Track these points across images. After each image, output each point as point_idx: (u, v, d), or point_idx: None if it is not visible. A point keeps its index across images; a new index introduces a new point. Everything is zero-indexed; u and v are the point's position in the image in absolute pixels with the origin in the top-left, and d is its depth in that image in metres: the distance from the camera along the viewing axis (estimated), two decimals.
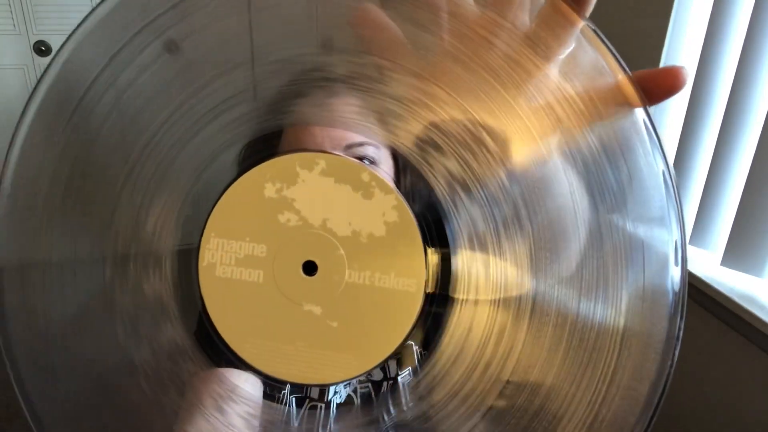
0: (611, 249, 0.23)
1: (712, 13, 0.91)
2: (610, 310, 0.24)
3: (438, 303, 0.25)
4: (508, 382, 0.25)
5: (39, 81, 0.24)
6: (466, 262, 0.25)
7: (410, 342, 0.57)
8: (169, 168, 0.25)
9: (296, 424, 0.61)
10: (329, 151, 0.24)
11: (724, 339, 0.91)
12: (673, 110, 1.03)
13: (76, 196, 0.25)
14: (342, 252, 0.24)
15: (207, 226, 0.24)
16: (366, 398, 0.67)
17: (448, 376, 0.27)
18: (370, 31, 0.23)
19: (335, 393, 0.68)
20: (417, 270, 0.24)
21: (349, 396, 0.67)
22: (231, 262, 0.24)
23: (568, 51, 0.24)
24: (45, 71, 0.24)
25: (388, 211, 0.24)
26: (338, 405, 0.67)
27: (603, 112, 0.23)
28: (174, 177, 0.25)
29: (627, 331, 0.24)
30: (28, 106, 0.24)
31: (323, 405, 0.67)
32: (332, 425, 0.60)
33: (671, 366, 0.25)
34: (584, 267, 0.23)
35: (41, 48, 2.09)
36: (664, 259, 0.23)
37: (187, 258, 0.25)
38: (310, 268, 0.24)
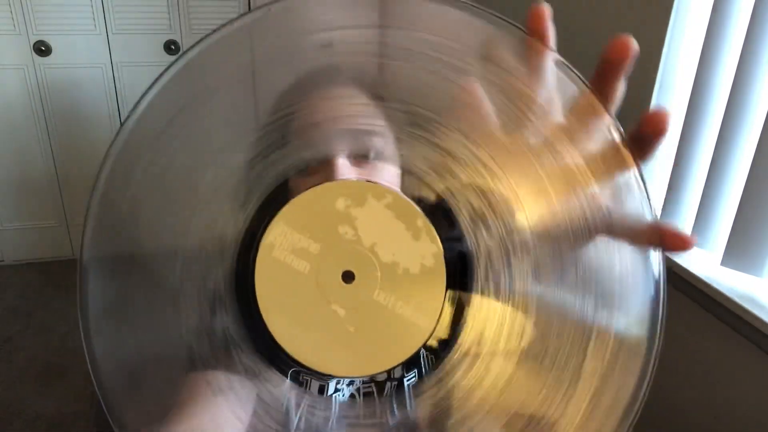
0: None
1: (712, 13, 0.91)
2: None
3: (441, 345, 0.29)
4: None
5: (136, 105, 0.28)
6: (478, 309, 0.29)
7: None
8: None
9: (295, 421, 0.61)
10: (400, 193, 0.29)
11: (724, 339, 0.91)
12: (673, 110, 1.03)
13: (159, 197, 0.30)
14: (378, 274, 0.29)
15: (279, 214, 0.29)
16: (369, 398, 0.68)
17: (453, 382, 0.31)
18: (470, 111, 0.28)
19: (336, 390, 0.68)
20: (433, 311, 0.28)
21: (352, 395, 0.67)
22: (287, 248, 0.29)
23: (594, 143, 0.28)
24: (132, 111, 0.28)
25: (428, 256, 0.28)
26: (341, 403, 0.67)
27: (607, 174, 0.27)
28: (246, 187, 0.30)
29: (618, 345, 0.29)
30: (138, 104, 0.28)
31: (322, 401, 0.67)
32: (334, 424, 0.60)
33: (654, 365, 0.28)
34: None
35: (41, 48, 2.10)
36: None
37: (251, 239, 0.29)
38: (348, 276, 0.29)
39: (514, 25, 0.31)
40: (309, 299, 0.29)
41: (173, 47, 2.25)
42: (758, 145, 0.83)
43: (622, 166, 0.27)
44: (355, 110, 0.33)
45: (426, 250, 0.28)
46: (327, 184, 0.29)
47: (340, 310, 0.29)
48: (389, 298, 0.29)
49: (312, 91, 0.34)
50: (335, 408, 0.65)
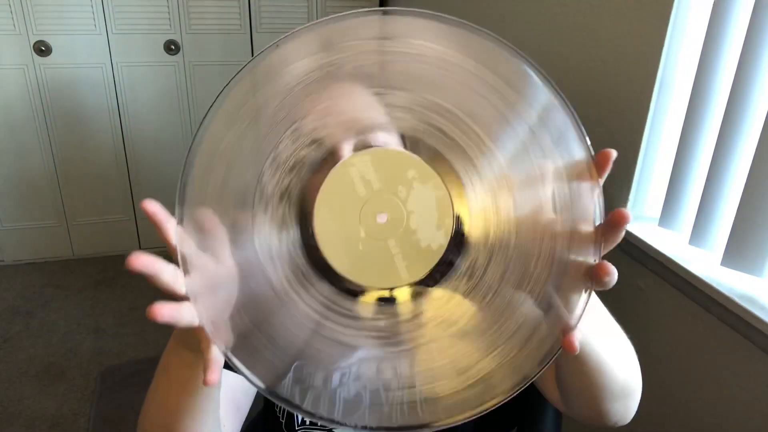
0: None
1: (712, 13, 0.91)
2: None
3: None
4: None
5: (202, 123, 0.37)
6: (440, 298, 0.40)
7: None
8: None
9: (300, 417, 0.61)
10: (449, 194, 0.38)
11: (724, 339, 0.91)
12: (673, 110, 1.03)
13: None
14: (401, 231, 0.38)
15: (370, 150, 0.37)
16: (375, 396, 0.67)
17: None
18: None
19: (340, 384, 0.67)
20: (415, 275, 0.39)
21: (357, 392, 0.67)
22: (360, 173, 0.38)
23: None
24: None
25: (436, 242, 0.38)
26: (346, 400, 0.67)
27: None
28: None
29: None
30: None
31: (327, 394, 0.67)
32: (340, 417, 0.59)
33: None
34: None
35: (41, 48, 2.10)
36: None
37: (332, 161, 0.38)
38: (382, 217, 0.38)
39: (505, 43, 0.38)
40: (350, 212, 0.38)
41: (173, 47, 2.25)
42: (758, 145, 0.83)
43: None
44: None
45: (438, 239, 0.38)
46: (411, 156, 0.37)
47: (362, 233, 0.38)
48: (396, 248, 0.38)
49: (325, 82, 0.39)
50: (339, 404, 0.63)
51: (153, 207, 0.36)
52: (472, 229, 0.38)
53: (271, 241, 0.38)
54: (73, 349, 1.89)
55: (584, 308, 0.37)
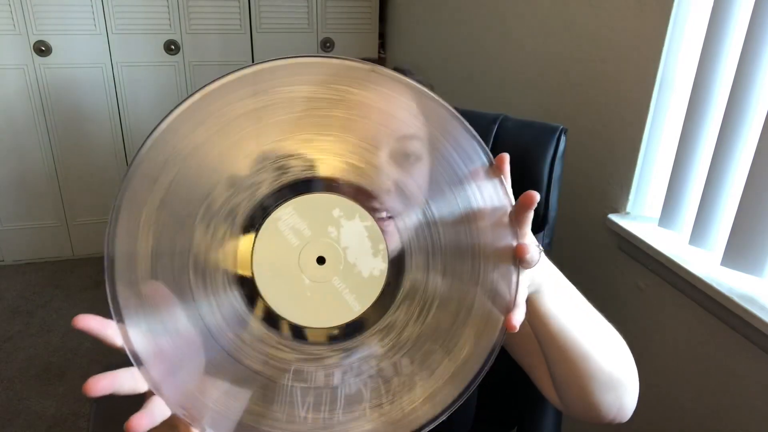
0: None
1: (712, 13, 0.91)
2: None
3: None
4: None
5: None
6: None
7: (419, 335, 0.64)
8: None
9: (303, 414, 0.63)
10: (375, 223, 0.41)
11: (723, 339, 0.91)
12: (673, 110, 1.03)
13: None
14: (341, 267, 0.40)
15: (292, 200, 0.39)
16: (376, 392, 0.67)
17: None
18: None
19: (342, 381, 0.67)
20: (365, 303, 0.41)
21: (359, 389, 0.67)
22: (289, 225, 0.39)
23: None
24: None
25: (377, 270, 0.41)
26: (347, 395, 0.67)
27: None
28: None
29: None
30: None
31: (328, 391, 0.67)
32: (340, 415, 0.61)
33: None
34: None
35: (41, 48, 2.10)
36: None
37: (263, 212, 0.39)
38: (321, 260, 0.40)
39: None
40: (289, 264, 0.40)
41: (173, 47, 2.25)
42: (758, 145, 0.83)
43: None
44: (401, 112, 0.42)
45: (378, 265, 0.41)
46: (331, 195, 0.40)
47: (306, 280, 0.40)
48: (341, 284, 0.40)
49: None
50: (341, 401, 0.65)
51: (84, 322, 0.36)
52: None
53: (213, 306, 0.39)
54: (73, 349, 1.89)
55: (517, 288, 0.41)
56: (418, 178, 0.43)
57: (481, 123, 0.95)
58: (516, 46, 1.48)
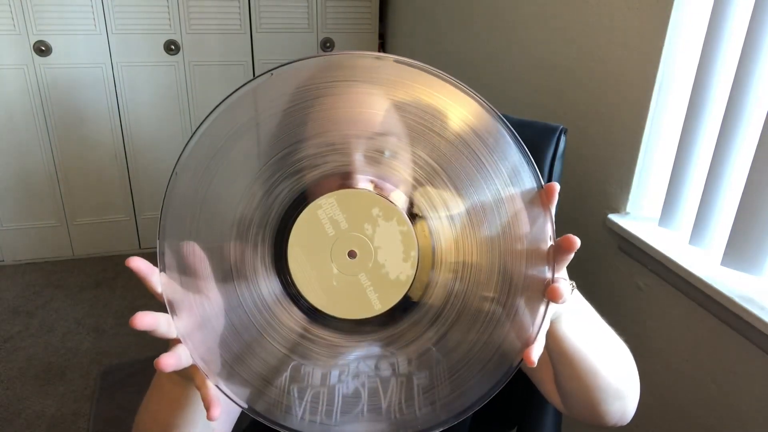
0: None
1: (712, 13, 0.91)
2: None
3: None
4: None
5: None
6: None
7: (431, 347, 0.64)
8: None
9: (299, 414, 0.64)
10: (413, 230, 0.42)
11: (723, 339, 0.91)
12: (672, 110, 1.03)
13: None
14: (370, 265, 0.42)
15: (336, 192, 0.40)
16: (373, 393, 0.68)
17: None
18: None
19: (339, 381, 0.68)
20: (386, 304, 0.42)
21: (356, 389, 0.67)
22: (328, 214, 0.41)
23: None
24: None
25: (404, 274, 0.42)
26: (344, 395, 0.68)
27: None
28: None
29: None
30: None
31: (325, 390, 0.67)
32: (338, 416, 0.62)
33: None
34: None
35: (41, 48, 2.10)
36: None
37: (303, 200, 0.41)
38: (352, 255, 0.41)
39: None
40: (321, 251, 0.41)
41: (173, 47, 2.25)
42: (758, 145, 0.83)
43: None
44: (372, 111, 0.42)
45: (406, 270, 0.42)
46: (374, 195, 0.41)
47: (335, 269, 0.42)
48: (367, 281, 0.42)
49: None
50: (338, 400, 0.66)
51: (136, 263, 0.40)
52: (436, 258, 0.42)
53: (249, 278, 0.42)
54: (73, 349, 1.89)
55: (542, 322, 0.40)
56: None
57: None
58: (516, 46, 1.48)
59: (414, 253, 0.41)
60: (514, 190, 0.41)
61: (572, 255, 0.40)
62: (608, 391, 0.52)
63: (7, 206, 2.31)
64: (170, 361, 0.39)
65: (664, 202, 1.04)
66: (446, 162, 0.41)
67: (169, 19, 2.21)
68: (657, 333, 1.06)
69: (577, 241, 0.39)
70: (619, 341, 0.55)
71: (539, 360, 0.62)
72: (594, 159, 1.19)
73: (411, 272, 0.41)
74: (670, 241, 1.01)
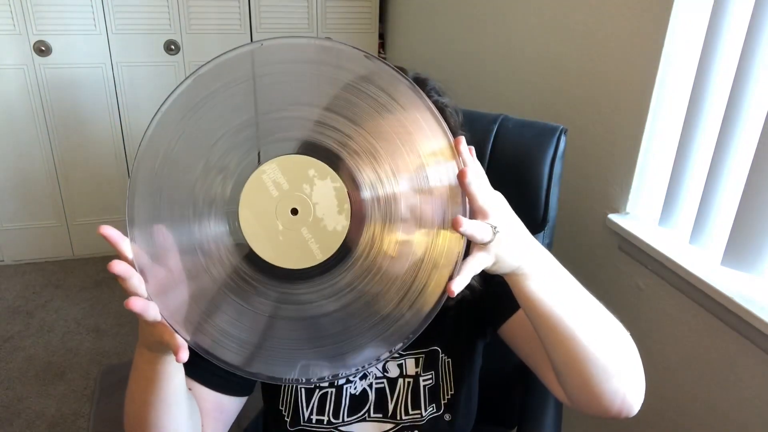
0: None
1: (712, 13, 0.91)
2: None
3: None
4: None
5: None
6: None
7: (437, 348, 0.72)
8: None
9: (306, 414, 0.65)
10: (344, 185, 0.47)
11: (723, 338, 0.91)
12: (672, 110, 1.03)
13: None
14: (311, 219, 0.47)
15: (277, 158, 0.47)
16: (381, 394, 0.68)
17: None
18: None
19: (347, 381, 0.69)
20: (326, 254, 0.48)
21: (363, 390, 0.67)
22: (271, 178, 0.47)
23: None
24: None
25: (340, 225, 0.47)
26: (352, 396, 0.68)
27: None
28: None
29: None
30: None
31: (333, 390, 0.68)
32: (345, 415, 0.63)
33: None
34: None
35: (41, 48, 2.10)
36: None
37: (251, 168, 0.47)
38: (294, 212, 0.47)
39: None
40: (267, 210, 0.47)
41: (173, 47, 2.25)
42: (758, 144, 0.83)
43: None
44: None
45: (342, 222, 0.47)
46: (309, 159, 0.47)
47: (279, 225, 0.47)
48: (308, 234, 0.47)
49: None
50: (346, 400, 0.67)
51: (107, 231, 0.47)
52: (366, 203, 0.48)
53: (209, 244, 0.48)
54: (73, 349, 1.89)
55: (459, 258, 0.46)
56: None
57: (481, 123, 0.95)
58: (516, 46, 1.48)
59: (347, 205, 0.47)
60: (431, 146, 0.47)
61: (475, 190, 0.46)
62: (597, 363, 0.53)
63: (7, 206, 2.31)
64: (139, 303, 0.44)
65: (664, 202, 1.04)
66: (364, 123, 0.47)
67: (169, 19, 2.21)
68: (657, 332, 1.06)
69: (464, 176, 0.46)
70: (610, 316, 0.56)
71: (532, 343, 0.62)
72: (594, 159, 1.19)
73: (346, 222, 0.47)
74: (670, 241, 1.01)
